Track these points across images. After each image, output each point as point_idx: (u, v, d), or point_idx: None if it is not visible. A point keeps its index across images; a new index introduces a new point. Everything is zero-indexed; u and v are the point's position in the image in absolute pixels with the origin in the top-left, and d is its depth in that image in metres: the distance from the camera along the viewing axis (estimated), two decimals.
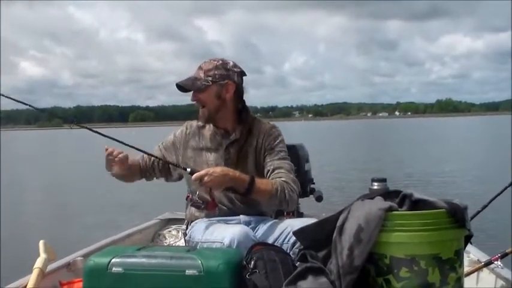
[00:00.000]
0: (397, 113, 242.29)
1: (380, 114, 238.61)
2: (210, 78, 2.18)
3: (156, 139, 2.49)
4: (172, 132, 2.39)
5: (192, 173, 2.07)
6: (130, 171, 2.31)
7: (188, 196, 2.11)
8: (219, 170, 2.06)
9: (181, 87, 2.21)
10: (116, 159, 2.14)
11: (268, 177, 2.17)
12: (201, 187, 2.10)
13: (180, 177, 2.36)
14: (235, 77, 2.22)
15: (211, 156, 2.24)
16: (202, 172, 2.04)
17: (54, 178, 16.11)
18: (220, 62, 2.22)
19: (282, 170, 2.17)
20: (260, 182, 2.10)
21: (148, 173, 2.38)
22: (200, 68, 2.22)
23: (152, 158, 2.35)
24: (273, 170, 2.17)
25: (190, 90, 2.22)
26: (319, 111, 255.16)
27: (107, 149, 2.17)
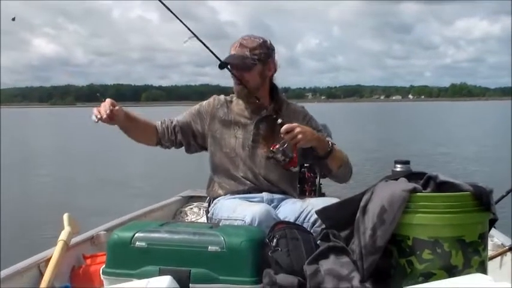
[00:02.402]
0: (410, 96, 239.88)
1: (393, 98, 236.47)
2: (256, 57, 2.18)
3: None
4: (198, 103, 2.34)
5: (281, 124, 2.05)
6: (134, 125, 2.17)
7: (275, 145, 2.05)
8: (307, 127, 2.08)
9: (224, 64, 2.18)
10: (108, 112, 1.97)
11: None
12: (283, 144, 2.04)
13: (203, 148, 2.31)
14: (275, 56, 2.25)
15: (239, 130, 2.24)
16: (294, 124, 2.03)
17: (75, 154, 16.29)
18: (262, 40, 2.22)
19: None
20: (337, 149, 2.16)
21: (167, 137, 2.25)
22: (243, 46, 2.19)
23: (174, 122, 2.27)
24: None
25: (233, 68, 2.20)
26: (332, 93, 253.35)
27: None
